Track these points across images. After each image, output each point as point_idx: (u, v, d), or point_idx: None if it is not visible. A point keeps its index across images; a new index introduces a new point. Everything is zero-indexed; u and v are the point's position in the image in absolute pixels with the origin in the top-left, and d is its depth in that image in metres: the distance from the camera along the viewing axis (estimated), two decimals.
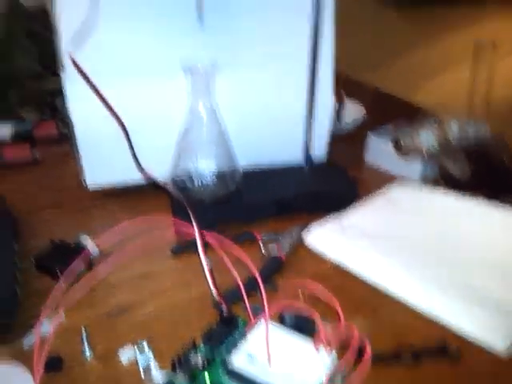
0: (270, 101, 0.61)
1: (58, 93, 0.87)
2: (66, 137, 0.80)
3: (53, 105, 0.86)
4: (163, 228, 0.51)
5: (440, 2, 1.96)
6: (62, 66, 0.54)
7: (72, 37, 0.49)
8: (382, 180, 0.67)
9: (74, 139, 0.56)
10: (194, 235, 0.42)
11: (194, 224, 0.42)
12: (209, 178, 0.55)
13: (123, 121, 0.50)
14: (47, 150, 0.76)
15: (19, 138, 0.77)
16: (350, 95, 0.90)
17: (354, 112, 0.88)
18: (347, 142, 0.77)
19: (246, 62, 0.58)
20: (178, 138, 0.55)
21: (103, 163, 0.58)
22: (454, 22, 2.14)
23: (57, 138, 0.80)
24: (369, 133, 0.71)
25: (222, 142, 0.56)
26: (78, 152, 0.57)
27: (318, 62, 0.59)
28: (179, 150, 0.55)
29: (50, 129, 0.79)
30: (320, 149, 0.66)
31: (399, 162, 0.64)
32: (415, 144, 0.58)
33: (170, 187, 0.51)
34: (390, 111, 0.99)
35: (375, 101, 1.09)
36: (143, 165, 0.55)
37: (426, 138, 0.59)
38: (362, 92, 1.15)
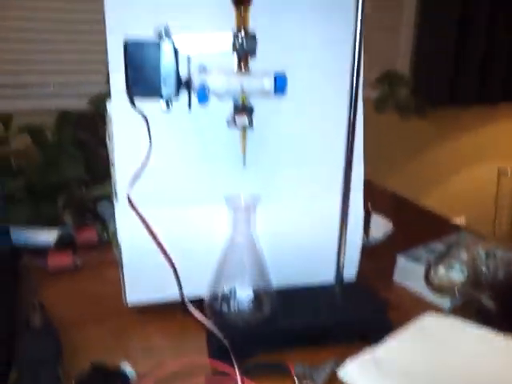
0: (303, 226, 0.65)
1: (100, 198, 0.93)
2: (105, 243, 0.84)
3: (94, 210, 0.92)
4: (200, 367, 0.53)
5: (453, 102, 2.03)
6: (116, 196, 0.58)
7: (129, 177, 0.54)
8: (413, 302, 0.68)
9: (121, 260, 0.59)
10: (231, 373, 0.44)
11: (237, 374, 0.44)
12: (245, 302, 0.57)
13: (168, 251, 0.54)
14: (87, 254, 0.80)
15: (61, 242, 0.81)
16: (373, 204, 0.93)
17: (381, 226, 0.90)
18: (375, 257, 0.79)
19: (283, 193, 0.63)
20: (217, 263, 0.58)
21: (145, 283, 0.61)
22: (467, 122, 2.22)
23: (96, 244, 0.84)
24: (398, 255, 0.74)
25: (259, 266, 0.59)
26: (122, 272, 0.60)
27: (349, 189, 0.62)
28: (217, 274, 0.58)
29: (90, 235, 0.83)
30: (351, 268, 0.69)
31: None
32: (446, 280, 0.60)
33: (209, 322, 0.53)
34: (414, 221, 1.03)
35: (398, 208, 1.12)
36: (184, 285, 0.57)
37: (456, 271, 0.60)
38: (383, 198, 1.20)
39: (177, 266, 0.56)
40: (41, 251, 0.77)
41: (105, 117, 0.62)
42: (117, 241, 0.61)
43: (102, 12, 0.54)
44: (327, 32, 0.61)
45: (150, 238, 0.54)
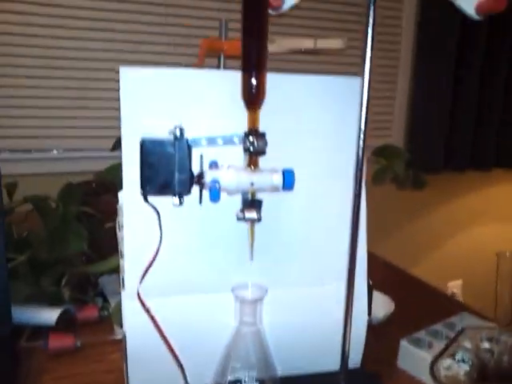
0: (307, 315, 0.65)
1: (102, 274, 0.93)
2: (105, 318, 0.83)
3: (95, 284, 0.91)
4: None
5: (445, 168, 2.07)
6: (123, 286, 0.59)
7: (138, 269, 0.54)
8: None
9: (125, 351, 0.59)
10: None
11: None
12: None
13: (174, 343, 0.53)
14: (87, 333, 0.78)
15: (62, 319, 0.80)
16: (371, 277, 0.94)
17: (382, 304, 0.90)
18: (377, 338, 0.79)
19: (289, 282, 0.64)
20: (222, 354, 0.58)
21: (149, 376, 0.60)
22: (460, 188, 2.26)
23: (97, 321, 0.83)
24: (401, 340, 0.73)
25: (265, 358, 0.58)
26: (125, 362, 0.59)
27: (353, 276, 0.63)
28: (222, 366, 0.58)
29: (91, 313, 0.83)
30: (356, 356, 0.68)
31: None
32: (451, 374, 0.60)
33: None
34: (413, 296, 1.03)
35: (396, 281, 1.13)
36: (189, 376, 0.57)
37: (461, 362, 0.61)
38: (379, 269, 1.20)
39: (182, 356, 0.56)
40: (41, 331, 0.76)
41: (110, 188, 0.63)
42: (119, 321, 0.61)
43: (110, 81, 0.56)
44: (332, 130, 0.64)
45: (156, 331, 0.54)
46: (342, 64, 1.87)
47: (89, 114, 1.53)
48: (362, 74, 0.57)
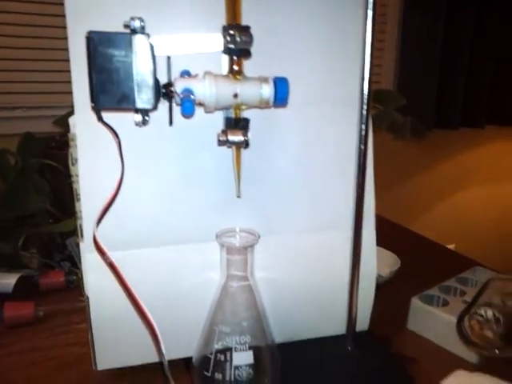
0: (309, 268, 0.55)
1: (69, 234, 0.82)
2: (73, 284, 0.73)
3: (62, 247, 0.80)
4: None
5: (437, 126, 1.98)
6: (81, 235, 0.48)
7: (98, 212, 0.43)
8: (432, 354, 0.59)
9: (89, 316, 0.48)
10: None
11: None
12: (242, 367, 0.46)
13: (145, 305, 0.42)
14: (52, 301, 0.68)
15: (22, 286, 0.69)
16: None
17: (386, 261, 0.81)
18: (383, 298, 0.70)
19: (285, 228, 0.53)
20: (206, 318, 0.48)
21: (119, 345, 0.50)
22: (452, 146, 2.18)
23: (64, 287, 0.72)
24: (412, 299, 0.64)
25: (258, 320, 0.48)
26: (90, 330, 0.49)
27: (361, 222, 0.53)
28: (207, 332, 0.48)
29: (57, 278, 0.72)
30: (364, 316, 0.59)
31: (453, 339, 0.57)
32: (481, 334, 0.50)
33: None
34: (416, 252, 0.94)
35: (396, 237, 1.03)
36: (166, 346, 0.46)
37: (492, 320, 0.51)
38: (380, 227, 1.11)
39: (157, 323, 0.45)
40: None
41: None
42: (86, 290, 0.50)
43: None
44: (334, 42, 0.52)
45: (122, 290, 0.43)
46: None
47: (56, 65, 1.38)
48: None
